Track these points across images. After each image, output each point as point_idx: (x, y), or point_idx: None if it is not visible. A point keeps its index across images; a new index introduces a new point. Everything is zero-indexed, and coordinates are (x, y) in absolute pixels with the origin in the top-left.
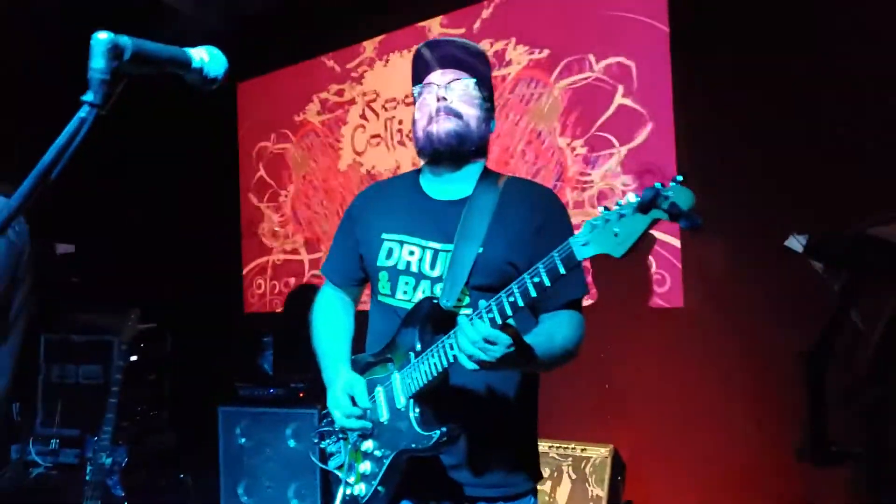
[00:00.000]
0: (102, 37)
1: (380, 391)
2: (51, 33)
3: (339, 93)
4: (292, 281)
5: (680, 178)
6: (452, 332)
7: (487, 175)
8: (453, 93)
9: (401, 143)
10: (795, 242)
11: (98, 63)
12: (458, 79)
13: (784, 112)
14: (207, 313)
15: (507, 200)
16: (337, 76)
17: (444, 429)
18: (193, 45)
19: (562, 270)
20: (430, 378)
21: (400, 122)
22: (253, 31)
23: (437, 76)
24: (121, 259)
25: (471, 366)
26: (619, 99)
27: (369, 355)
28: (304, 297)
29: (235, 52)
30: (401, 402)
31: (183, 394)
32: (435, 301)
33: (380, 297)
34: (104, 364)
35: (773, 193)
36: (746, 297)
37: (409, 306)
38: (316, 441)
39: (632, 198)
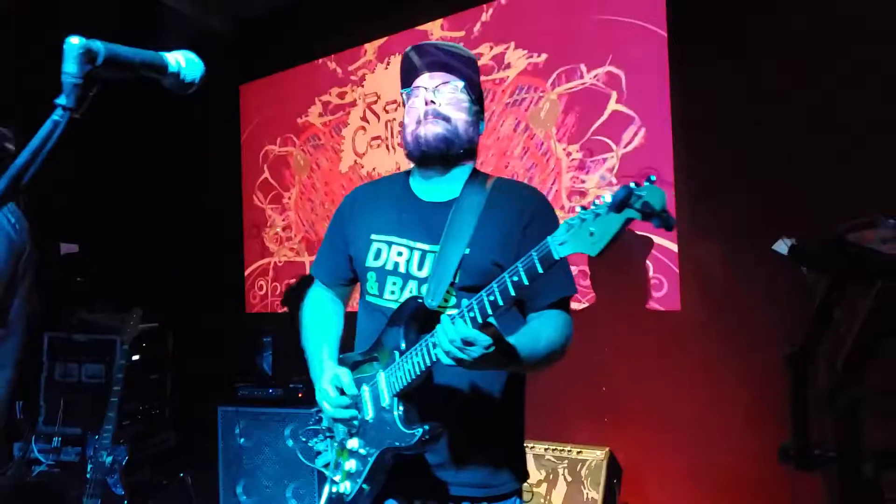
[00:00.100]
0: (75, 41)
1: (366, 389)
2: (54, 36)
3: (341, 95)
4: (294, 283)
5: (653, 177)
6: (434, 331)
7: (476, 176)
8: (441, 96)
9: (401, 144)
10: (783, 245)
11: (70, 67)
12: (446, 82)
13: (782, 116)
14: (209, 313)
15: (494, 201)
16: (338, 78)
17: (426, 427)
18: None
19: (540, 269)
20: (414, 377)
21: (400, 125)
22: (255, 34)
23: (426, 79)
24: (124, 259)
25: (448, 361)
26: (614, 104)
27: (357, 354)
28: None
29: (238, 54)
30: (385, 400)
31: (184, 393)
32: (420, 301)
33: (368, 298)
34: (107, 363)
35: (771, 197)
36: (744, 300)
37: (396, 306)
38: (304, 439)
39: (608, 198)
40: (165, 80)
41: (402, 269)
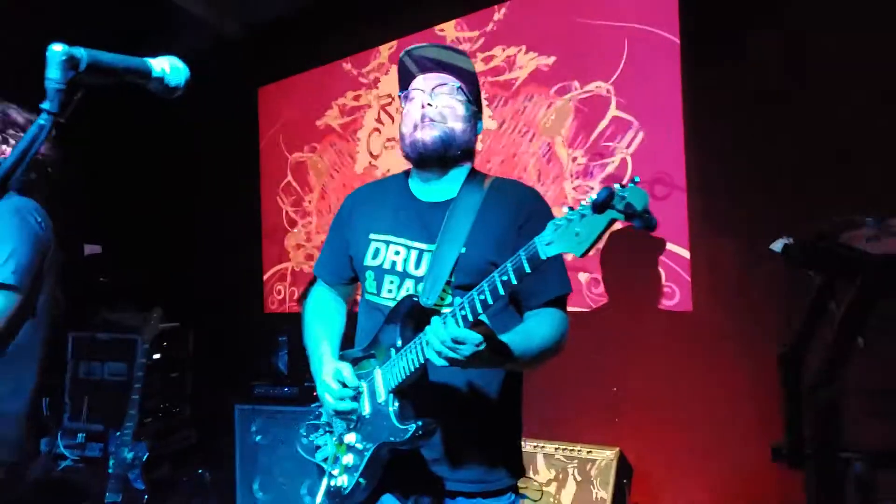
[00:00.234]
0: (57, 49)
1: (363, 386)
2: (73, 40)
3: (356, 97)
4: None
5: (637, 178)
6: (426, 329)
7: (474, 176)
8: (438, 99)
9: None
10: (779, 244)
11: (53, 73)
12: (442, 84)
13: (794, 118)
14: (229, 314)
15: (490, 201)
16: (353, 80)
17: (419, 423)
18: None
19: (527, 269)
20: (409, 373)
21: None
22: (271, 37)
23: (421, 81)
24: (146, 260)
25: (440, 362)
26: (624, 110)
27: (356, 351)
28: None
29: (256, 57)
30: (381, 396)
31: (204, 392)
32: (415, 299)
33: (367, 296)
34: (129, 362)
35: (783, 199)
36: (756, 301)
37: (393, 304)
38: (304, 434)
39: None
40: (150, 85)
41: (399, 268)
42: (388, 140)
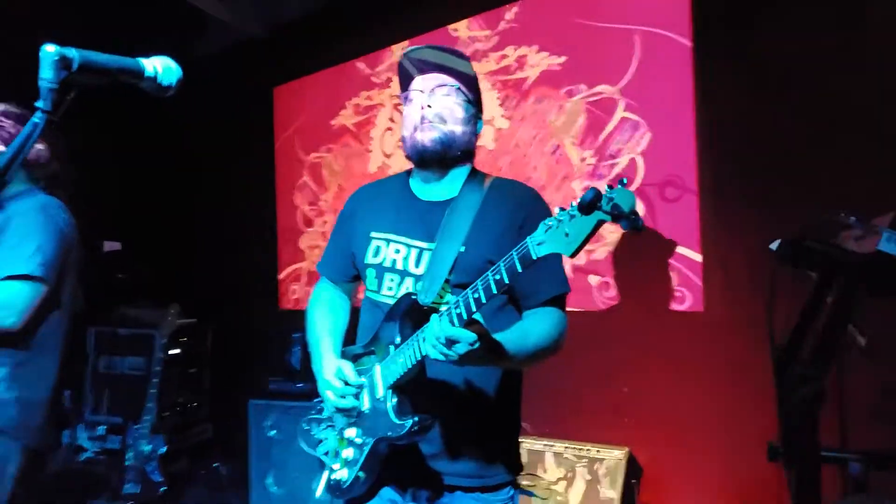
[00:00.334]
0: (50, 49)
1: (364, 381)
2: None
3: (369, 97)
4: None
5: (625, 180)
6: (423, 327)
7: (474, 176)
8: (437, 100)
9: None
10: (776, 244)
11: (46, 74)
12: (441, 84)
13: (808, 120)
14: (246, 311)
15: (490, 201)
16: (367, 79)
17: (415, 418)
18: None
19: (519, 268)
20: (406, 370)
21: None
22: (285, 38)
23: (419, 82)
24: (165, 257)
25: (438, 357)
26: (636, 112)
27: (357, 347)
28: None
29: (270, 57)
30: (380, 392)
31: (221, 387)
32: (414, 297)
33: (368, 293)
34: (147, 356)
35: (797, 203)
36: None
37: (393, 302)
38: (306, 428)
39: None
40: (143, 85)
41: (399, 266)
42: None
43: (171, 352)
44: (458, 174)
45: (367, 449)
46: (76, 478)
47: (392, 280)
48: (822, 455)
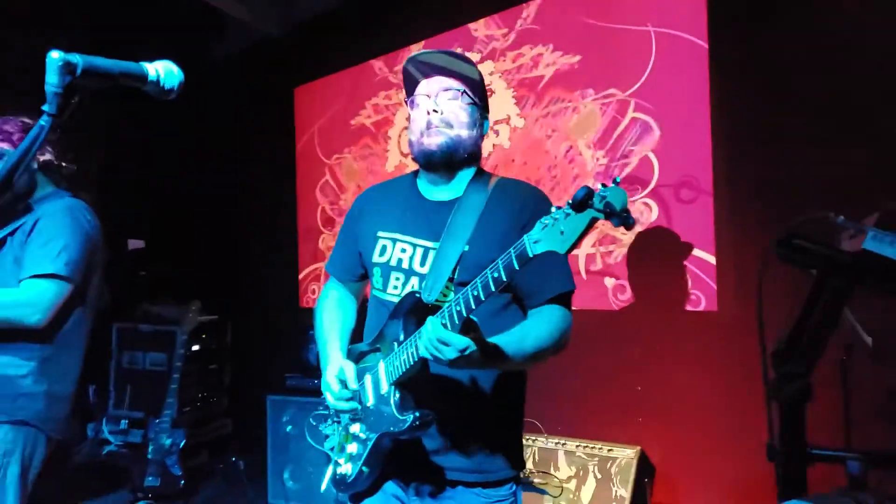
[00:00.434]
0: (55, 56)
1: (368, 378)
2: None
3: (388, 96)
4: None
5: (618, 178)
6: (422, 327)
7: (479, 177)
8: (443, 105)
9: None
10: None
11: (52, 79)
12: (446, 88)
13: (823, 123)
14: (266, 308)
15: (495, 201)
16: (385, 79)
17: (417, 414)
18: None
19: (516, 266)
20: (409, 366)
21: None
22: (307, 37)
23: (424, 86)
24: (188, 255)
25: (428, 357)
26: (652, 112)
27: (363, 345)
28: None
29: (290, 58)
30: (384, 388)
31: (241, 383)
32: (418, 295)
33: (374, 292)
34: (168, 352)
35: (813, 205)
36: (782, 302)
37: (398, 300)
38: (313, 424)
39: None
40: (146, 88)
41: (405, 265)
42: None
43: (192, 348)
44: (464, 175)
45: (370, 444)
46: (100, 470)
47: (398, 279)
48: (820, 454)
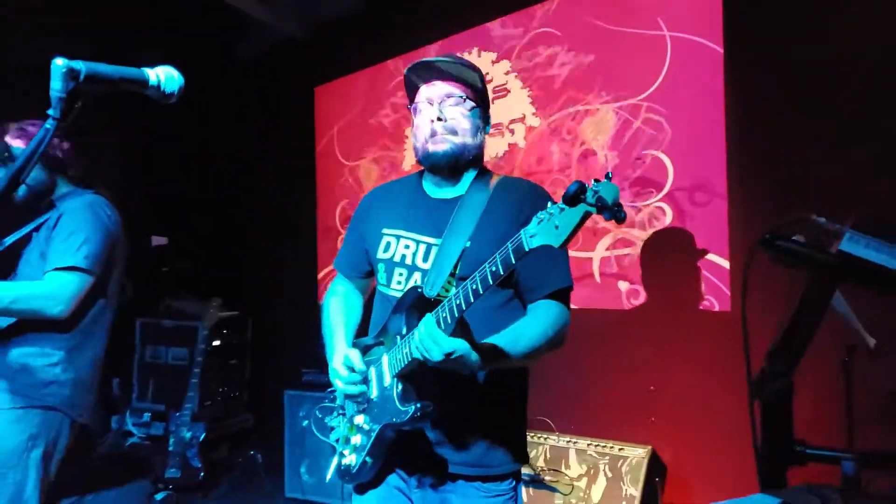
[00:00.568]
0: (59, 63)
1: (372, 370)
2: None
3: (405, 96)
4: None
5: (610, 174)
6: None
7: (482, 175)
8: (446, 111)
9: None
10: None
11: (56, 84)
12: (448, 96)
13: (838, 127)
14: (286, 305)
15: (497, 198)
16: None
17: (418, 405)
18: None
19: (513, 260)
20: (410, 359)
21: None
22: (327, 38)
23: (427, 91)
24: (210, 252)
25: (417, 356)
26: (667, 115)
27: (368, 339)
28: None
29: (311, 58)
30: (387, 380)
31: (261, 378)
32: (419, 290)
33: (379, 287)
34: (190, 347)
35: (827, 209)
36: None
37: (401, 295)
38: (319, 416)
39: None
40: (147, 92)
41: (408, 261)
42: None
43: (213, 343)
44: (468, 175)
45: (374, 435)
46: (122, 461)
47: (401, 274)
48: (815, 454)
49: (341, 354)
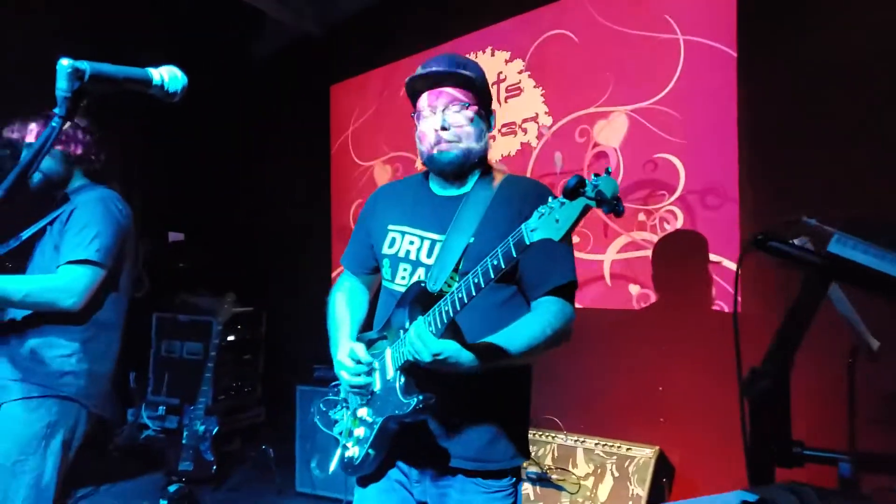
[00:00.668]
0: (64, 63)
1: (376, 364)
2: (154, 44)
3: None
4: None
5: (610, 169)
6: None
7: (487, 173)
8: (450, 118)
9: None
10: None
11: (62, 84)
12: (451, 101)
13: (851, 131)
14: (300, 301)
15: (501, 195)
16: None
17: (420, 397)
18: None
19: (514, 254)
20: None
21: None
22: (344, 36)
23: (429, 98)
24: (226, 248)
25: (408, 356)
26: (679, 119)
27: (372, 333)
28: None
29: (327, 55)
30: (390, 373)
31: (274, 373)
32: (423, 285)
33: (384, 283)
34: (205, 342)
35: (839, 213)
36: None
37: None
38: (323, 409)
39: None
40: (151, 92)
41: (412, 257)
42: None
43: (227, 338)
44: (473, 175)
45: (377, 427)
46: (137, 453)
47: (405, 269)
48: (813, 455)
49: (346, 347)
